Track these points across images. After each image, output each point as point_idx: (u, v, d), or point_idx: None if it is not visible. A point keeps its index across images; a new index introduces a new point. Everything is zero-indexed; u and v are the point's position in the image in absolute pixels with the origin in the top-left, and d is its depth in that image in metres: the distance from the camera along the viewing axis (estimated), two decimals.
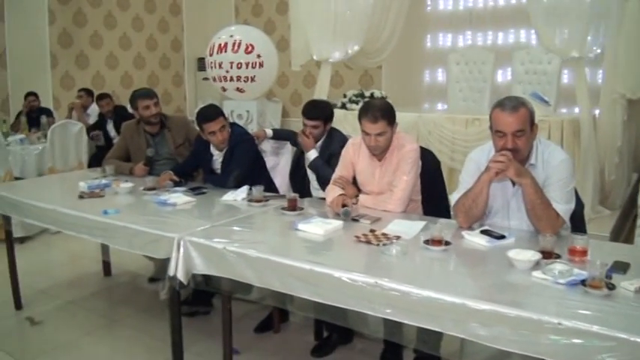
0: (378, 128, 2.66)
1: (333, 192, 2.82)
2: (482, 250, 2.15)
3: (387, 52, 6.28)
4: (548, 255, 1.98)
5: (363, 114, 2.70)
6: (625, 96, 4.39)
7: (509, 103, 2.30)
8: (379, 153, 2.75)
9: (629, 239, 4.06)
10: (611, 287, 1.73)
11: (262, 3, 8.98)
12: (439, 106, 6.97)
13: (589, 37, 4.21)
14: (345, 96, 5.40)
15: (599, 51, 4.26)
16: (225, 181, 3.27)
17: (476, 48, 6.19)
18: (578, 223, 2.55)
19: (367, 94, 5.28)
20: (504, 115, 2.27)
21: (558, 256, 1.99)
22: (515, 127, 2.26)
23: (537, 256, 1.94)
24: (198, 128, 3.39)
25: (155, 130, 3.76)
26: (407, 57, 7.15)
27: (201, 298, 3.26)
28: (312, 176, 3.45)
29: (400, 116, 4.90)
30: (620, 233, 4.20)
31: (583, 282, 1.75)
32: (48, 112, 6.35)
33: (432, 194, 2.96)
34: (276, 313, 3.16)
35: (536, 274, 1.85)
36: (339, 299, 1.93)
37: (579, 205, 2.65)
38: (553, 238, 2.04)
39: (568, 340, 1.52)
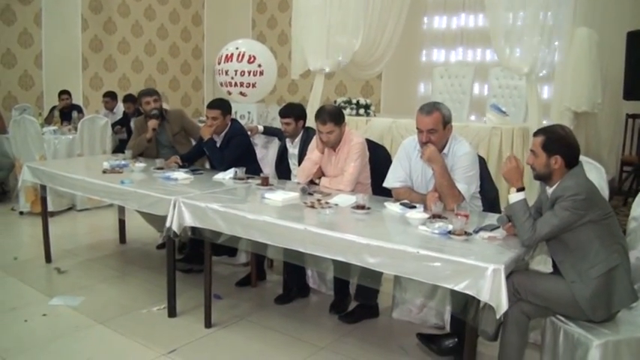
0: (327, 128, 3.40)
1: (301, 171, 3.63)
2: (394, 215, 2.88)
3: (380, 65, 6.94)
4: (437, 217, 2.71)
5: (316, 117, 3.44)
6: (570, 109, 5.05)
7: (426, 108, 2.98)
8: (331, 146, 3.48)
9: None
10: (469, 234, 2.45)
11: (277, 16, 9.76)
12: None
13: (540, 56, 4.91)
14: (335, 102, 6.14)
15: (544, 72, 4.94)
16: (220, 163, 4.05)
17: (458, 63, 6.87)
18: (492, 205, 3.26)
19: (354, 101, 6.01)
20: (421, 117, 2.97)
21: (446, 218, 2.71)
22: (429, 127, 2.94)
23: (425, 215, 2.67)
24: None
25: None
26: (404, 69, 7.88)
27: (196, 257, 4.01)
28: (292, 167, 4.19)
29: (378, 122, 5.74)
30: None
31: (450, 232, 2.48)
32: (79, 109, 7.24)
33: (382, 181, 3.68)
34: (254, 273, 3.91)
35: (422, 227, 2.58)
36: (283, 242, 2.69)
37: (494, 190, 3.38)
38: (441, 204, 2.77)
39: (424, 263, 2.23)
